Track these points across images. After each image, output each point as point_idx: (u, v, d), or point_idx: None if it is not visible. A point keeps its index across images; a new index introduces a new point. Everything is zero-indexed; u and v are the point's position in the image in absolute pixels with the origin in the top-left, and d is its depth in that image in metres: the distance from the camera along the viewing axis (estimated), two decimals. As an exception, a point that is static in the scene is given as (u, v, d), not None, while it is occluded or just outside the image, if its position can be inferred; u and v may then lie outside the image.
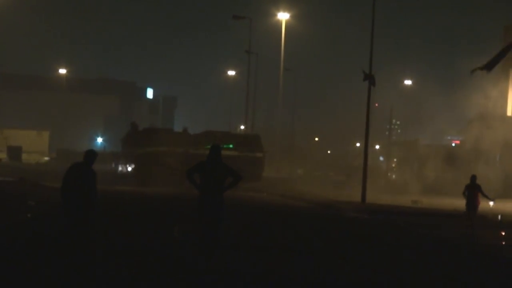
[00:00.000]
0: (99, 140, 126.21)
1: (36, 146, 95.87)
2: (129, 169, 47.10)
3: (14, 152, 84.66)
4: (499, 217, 28.42)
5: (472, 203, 23.41)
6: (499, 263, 18.14)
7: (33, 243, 16.81)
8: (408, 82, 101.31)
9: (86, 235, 13.89)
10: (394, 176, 77.46)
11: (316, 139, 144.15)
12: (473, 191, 23.42)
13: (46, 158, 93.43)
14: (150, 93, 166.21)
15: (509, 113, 62.78)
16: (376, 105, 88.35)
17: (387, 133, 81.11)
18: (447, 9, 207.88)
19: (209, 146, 14.87)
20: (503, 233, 24.54)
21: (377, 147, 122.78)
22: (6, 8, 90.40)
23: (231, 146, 47.04)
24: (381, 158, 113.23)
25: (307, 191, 45.80)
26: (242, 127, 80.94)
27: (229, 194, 14.66)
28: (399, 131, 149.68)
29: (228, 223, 15.67)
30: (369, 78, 38.82)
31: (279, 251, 17.65)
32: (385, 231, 24.54)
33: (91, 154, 13.96)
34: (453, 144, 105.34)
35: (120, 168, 57.95)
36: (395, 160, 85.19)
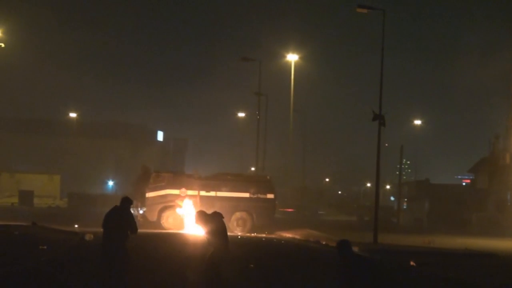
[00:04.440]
0: (110, 183, 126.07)
1: (47, 190, 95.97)
2: (141, 212, 47.12)
3: (26, 196, 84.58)
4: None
5: None
6: None
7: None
8: (418, 122, 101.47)
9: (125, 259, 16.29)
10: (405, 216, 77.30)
11: (327, 179, 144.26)
12: None
13: (58, 202, 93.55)
14: (160, 136, 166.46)
15: (519, 152, 62.79)
16: (386, 145, 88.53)
17: (397, 172, 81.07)
18: (457, 47, 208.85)
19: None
20: None
21: (388, 187, 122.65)
22: (15, 53, 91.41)
23: None
24: (392, 198, 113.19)
25: (318, 232, 45.70)
26: (253, 168, 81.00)
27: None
28: (409, 170, 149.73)
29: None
30: (379, 118, 38.89)
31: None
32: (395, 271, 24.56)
33: (126, 201, 17.00)
34: (464, 183, 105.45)
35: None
36: (405, 200, 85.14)
